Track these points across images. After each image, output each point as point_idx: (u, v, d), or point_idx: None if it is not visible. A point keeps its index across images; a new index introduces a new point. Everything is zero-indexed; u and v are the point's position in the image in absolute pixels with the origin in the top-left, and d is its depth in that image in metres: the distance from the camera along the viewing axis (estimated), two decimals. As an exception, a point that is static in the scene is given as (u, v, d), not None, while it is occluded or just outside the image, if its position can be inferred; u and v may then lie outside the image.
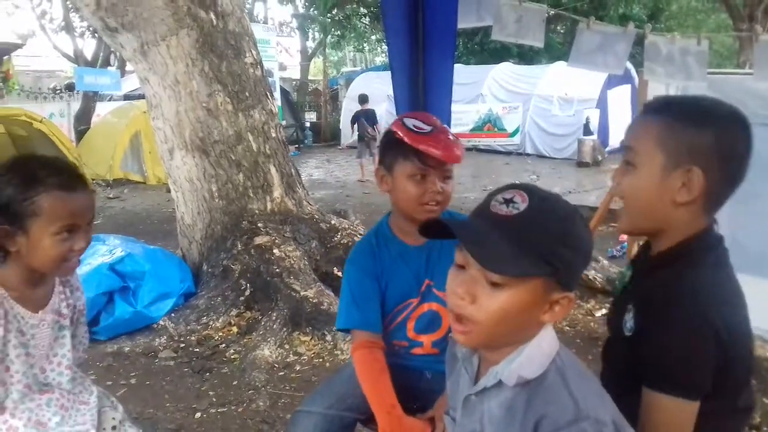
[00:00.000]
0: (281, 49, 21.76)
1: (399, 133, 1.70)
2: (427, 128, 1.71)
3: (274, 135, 5.14)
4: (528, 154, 15.08)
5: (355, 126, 12.15)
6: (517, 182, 1.13)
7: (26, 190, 1.44)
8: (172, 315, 4.39)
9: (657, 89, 4.06)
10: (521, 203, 1.05)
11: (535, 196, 1.06)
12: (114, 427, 1.77)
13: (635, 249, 4.44)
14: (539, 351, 1.08)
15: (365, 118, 11.84)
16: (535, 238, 1.03)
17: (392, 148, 1.75)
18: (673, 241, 1.32)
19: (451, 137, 1.74)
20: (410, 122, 1.72)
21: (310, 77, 24.17)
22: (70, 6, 15.43)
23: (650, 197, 1.30)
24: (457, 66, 3.62)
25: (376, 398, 1.70)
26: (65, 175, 1.49)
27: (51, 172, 1.48)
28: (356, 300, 1.82)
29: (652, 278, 1.33)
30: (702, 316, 1.19)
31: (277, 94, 13.35)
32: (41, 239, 1.45)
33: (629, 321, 1.31)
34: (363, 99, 12.24)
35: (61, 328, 1.64)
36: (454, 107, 3.26)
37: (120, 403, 1.87)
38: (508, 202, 1.06)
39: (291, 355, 3.94)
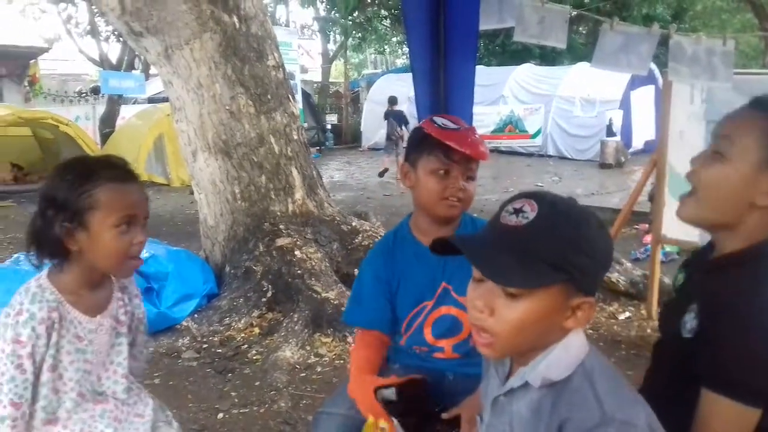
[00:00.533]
0: (303, 52, 21.91)
1: (426, 128, 1.74)
2: (455, 126, 1.74)
3: (295, 137, 5.16)
4: (550, 156, 15.00)
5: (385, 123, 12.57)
6: (527, 190, 1.12)
7: (83, 185, 1.43)
8: (195, 316, 4.42)
9: (681, 90, 4.02)
10: (530, 212, 1.04)
11: (545, 203, 1.05)
12: None
13: (659, 253, 4.39)
14: (566, 353, 1.07)
15: (394, 117, 12.15)
16: (545, 247, 1.02)
17: (419, 144, 1.78)
18: (743, 243, 1.27)
19: (477, 136, 1.77)
20: (439, 120, 1.76)
21: (331, 80, 24.32)
22: (95, 10, 15.66)
23: (731, 191, 1.25)
24: (478, 67, 3.60)
25: (353, 364, 1.81)
26: (119, 169, 1.49)
27: (104, 166, 1.47)
28: (362, 298, 1.89)
29: (720, 278, 1.28)
30: None
31: (299, 97, 13.45)
32: (102, 233, 1.43)
33: (690, 321, 1.26)
34: (392, 101, 12.63)
35: (118, 335, 1.60)
36: (475, 109, 3.25)
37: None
38: (517, 212, 1.05)
39: (312, 357, 3.96)
